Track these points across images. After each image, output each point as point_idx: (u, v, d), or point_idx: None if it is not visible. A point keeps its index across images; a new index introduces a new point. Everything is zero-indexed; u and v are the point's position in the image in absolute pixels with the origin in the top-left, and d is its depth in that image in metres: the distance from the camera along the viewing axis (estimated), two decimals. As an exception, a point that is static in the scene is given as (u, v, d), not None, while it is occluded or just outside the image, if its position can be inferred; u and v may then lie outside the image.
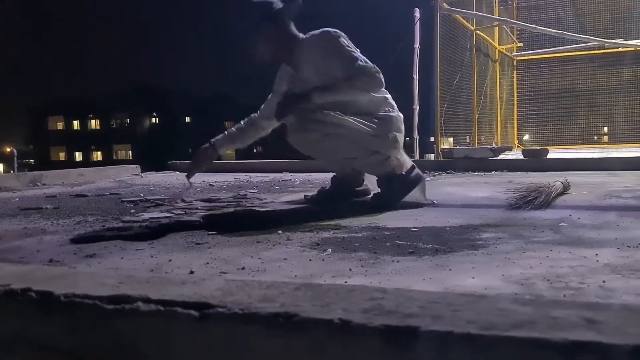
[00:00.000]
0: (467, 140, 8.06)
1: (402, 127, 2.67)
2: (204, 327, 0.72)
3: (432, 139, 6.90)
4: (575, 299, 1.06)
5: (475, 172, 4.86)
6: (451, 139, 7.74)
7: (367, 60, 2.52)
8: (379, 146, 2.56)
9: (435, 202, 2.62)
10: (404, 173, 2.59)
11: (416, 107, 6.88)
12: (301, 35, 2.66)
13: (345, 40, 2.53)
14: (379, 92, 2.58)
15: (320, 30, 2.60)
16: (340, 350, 0.66)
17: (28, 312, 0.84)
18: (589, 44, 8.41)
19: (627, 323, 0.58)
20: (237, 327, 0.70)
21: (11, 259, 1.62)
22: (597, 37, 8.21)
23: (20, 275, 0.94)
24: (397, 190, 2.55)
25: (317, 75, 2.54)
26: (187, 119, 48.79)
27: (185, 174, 2.97)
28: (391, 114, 2.62)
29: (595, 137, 9.71)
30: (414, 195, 2.57)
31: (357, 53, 2.53)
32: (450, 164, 5.15)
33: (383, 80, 2.52)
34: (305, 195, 2.92)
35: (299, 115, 2.49)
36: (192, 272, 1.38)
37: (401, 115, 2.68)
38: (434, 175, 4.58)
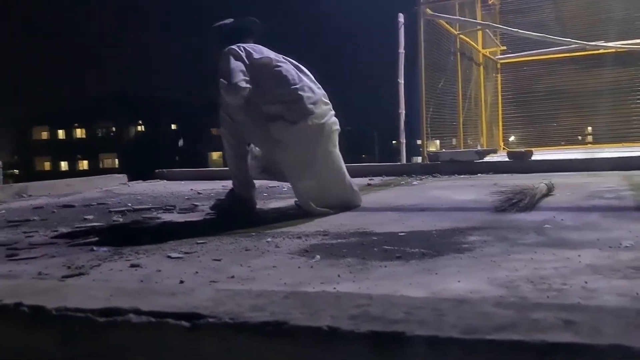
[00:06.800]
0: (454, 142, 8.12)
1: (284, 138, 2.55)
2: (196, 337, 0.74)
3: (418, 142, 6.95)
4: (558, 300, 1.08)
5: (461, 175, 4.90)
6: (438, 142, 7.79)
7: (244, 78, 2.49)
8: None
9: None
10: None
11: (402, 111, 6.93)
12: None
13: (232, 58, 2.55)
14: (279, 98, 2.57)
15: None
16: (329, 356, 0.67)
17: (20, 326, 0.85)
18: (571, 46, 8.53)
19: (602, 323, 0.60)
20: (228, 337, 0.72)
21: (0, 272, 1.61)
22: (579, 39, 8.33)
23: (10, 289, 0.95)
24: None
25: None
26: (174, 127, 48.54)
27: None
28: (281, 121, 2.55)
29: (580, 138, 9.83)
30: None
31: (235, 70, 2.51)
32: (437, 167, 5.19)
33: (237, 100, 2.50)
34: (295, 202, 2.93)
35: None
36: (182, 282, 1.39)
37: (311, 124, 2.55)
38: (421, 179, 4.61)
